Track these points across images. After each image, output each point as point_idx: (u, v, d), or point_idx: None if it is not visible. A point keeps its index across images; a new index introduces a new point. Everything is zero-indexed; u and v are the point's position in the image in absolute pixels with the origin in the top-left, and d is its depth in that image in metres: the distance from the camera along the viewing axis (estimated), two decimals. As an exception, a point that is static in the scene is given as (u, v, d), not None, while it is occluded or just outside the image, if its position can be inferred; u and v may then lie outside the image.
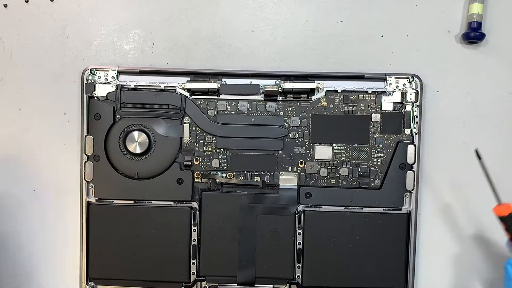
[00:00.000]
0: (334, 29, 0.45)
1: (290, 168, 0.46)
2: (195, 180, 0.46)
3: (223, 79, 0.46)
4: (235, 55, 0.46)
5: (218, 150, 0.46)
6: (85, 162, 0.46)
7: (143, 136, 0.46)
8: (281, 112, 0.46)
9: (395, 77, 0.45)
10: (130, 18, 0.47)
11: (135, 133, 0.46)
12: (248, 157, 0.46)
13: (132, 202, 0.46)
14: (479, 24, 0.42)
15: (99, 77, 0.46)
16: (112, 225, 0.46)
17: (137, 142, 0.46)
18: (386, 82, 0.45)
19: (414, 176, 0.45)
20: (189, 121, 0.46)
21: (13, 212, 0.48)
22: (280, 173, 0.46)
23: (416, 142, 0.45)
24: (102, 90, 0.46)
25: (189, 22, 0.46)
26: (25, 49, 0.47)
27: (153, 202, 0.46)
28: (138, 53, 0.47)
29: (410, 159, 0.45)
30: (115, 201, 0.46)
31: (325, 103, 0.46)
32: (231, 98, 0.46)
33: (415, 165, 0.45)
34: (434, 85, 0.45)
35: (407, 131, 0.45)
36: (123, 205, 0.46)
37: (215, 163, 0.46)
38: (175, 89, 0.46)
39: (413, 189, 0.45)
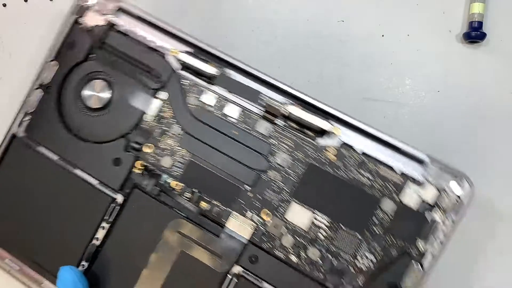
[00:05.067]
0: (334, 28, 0.43)
1: (250, 213, 0.34)
2: (134, 169, 0.35)
3: (225, 69, 0.35)
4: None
5: (178, 148, 0.35)
6: (36, 88, 0.37)
7: (106, 91, 0.36)
8: (272, 140, 0.34)
9: (439, 168, 0.32)
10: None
11: (98, 83, 0.36)
12: (208, 175, 0.34)
13: (57, 158, 0.36)
14: (480, 24, 0.41)
15: (96, 3, 0.37)
16: (23, 172, 0.37)
17: (95, 93, 0.36)
18: (425, 167, 0.32)
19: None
20: (165, 98, 0.35)
21: None
22: (235, 213, 0.34)
23: (425, 266, 0.31)
24: (92, 19, 0.37)
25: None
26: (24, 48, 0.45)
27: (78, 170, 0.36)
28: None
29: (407, 284, 0.31)
30: (40, 148, 0.37)
31: (334, 157, 0.33)
32: (222, 94, 0.35)
33: (411, 299, 0.31)
34: (434, 85, 0.42)
35: (421, 246, 0.31)
36: (46, 157, 0.36)
37: (166, 161, 0.35)
38: (164, 54, 0.36)
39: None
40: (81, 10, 0.37)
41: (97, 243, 0.35)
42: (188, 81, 0.35)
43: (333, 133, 0.33)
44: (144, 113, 0.35)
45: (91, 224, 0.35)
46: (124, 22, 0.37)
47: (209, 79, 0.35)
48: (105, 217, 0.35)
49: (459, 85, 0.42)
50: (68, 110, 0.37)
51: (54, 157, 0.36)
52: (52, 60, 0.37)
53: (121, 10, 0.37)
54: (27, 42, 0.45)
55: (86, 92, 0.36)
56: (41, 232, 0.36)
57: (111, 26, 0.37)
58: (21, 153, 0.37)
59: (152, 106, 0.35)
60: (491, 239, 0.40)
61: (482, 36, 0.41)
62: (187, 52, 0.35)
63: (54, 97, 0.37)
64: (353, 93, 0.41)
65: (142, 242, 0.34)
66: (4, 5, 0.45)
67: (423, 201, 0.32)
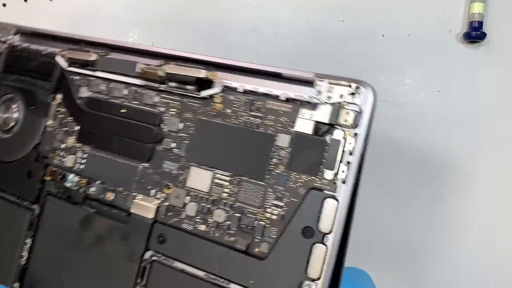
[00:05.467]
0: (334, 28, 0.43)
1: (153, 191, 0.31)
2: (46, 177, 0.34)
3: (108, 54, 0.34)
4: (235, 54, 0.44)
5: (78, 144, 0.34)
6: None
7: (13, 110, 0.36)
8: (160, 108, 0.31)
9: (329, 82, 0.27)
10: (130, 18, 0.45)
11: (4, 106, 0.37)
12: (107, 164, 0.32)
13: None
14: (480, 24, 0.41)
15: (-2, 33, 0.38)
16: None
17: (3, 116, 0.36)
18: (314, 87, 0.27)
19: (325, 254, 0.25)
20: (60, 99, 0.35)
21: None
22: (139, 195, 0.31)
23: (340, 196, 0.26)
24: (-4, 49, 0.38)
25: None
26: None
27: None
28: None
29: (323, 224, 0.26)
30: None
31: (220, 105, 0.30)
32: (106, 77, 0.33)
33: (330, 236, 0.25)
34: (435, 84, 0.42)
35: (328, 175, 0.26)
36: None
37: (70, 160, 0.33)
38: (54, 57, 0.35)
39: (318, 278, 0.25)
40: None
41: (23, 260, 0.34)
42: (78, 76, 0.34)
43: (210, 79, 0.29)
44: (47, 120, 0.35)
45: (15, 242, 0.34)
46: (22, 41, 0.37)
47: (93, 66, 0.34)
48: (27, 232, 0.34)
49: (459, 85, 0.42)
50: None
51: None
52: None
53: (19, 32, 0.38)
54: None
55: (-2, 116, 0.37)
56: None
57: (12, 47, 0.37)
58: None
59: (52, 110, 0.35)
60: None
61: (482, 36, 0.41)
62: (70, 49, 0.34)
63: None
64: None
65: (65, 247, 0.33)
66: (4, 5, 0.47)
67: (318, 123, 0.27)
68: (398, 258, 0.42)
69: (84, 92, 0.34)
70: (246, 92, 0.29)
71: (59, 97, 0.35)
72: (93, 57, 0.33)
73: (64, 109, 0.34)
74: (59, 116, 0.34)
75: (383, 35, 0.43)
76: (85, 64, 0.34)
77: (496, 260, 0.41)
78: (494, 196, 0.42)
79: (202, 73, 0.29)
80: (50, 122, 0.34)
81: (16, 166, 0.35)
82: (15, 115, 0.36)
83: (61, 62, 0.34)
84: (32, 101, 0.36)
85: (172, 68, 0.30)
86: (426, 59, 0.43)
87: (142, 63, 0.31)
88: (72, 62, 0.34)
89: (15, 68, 0.37)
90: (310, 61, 0.42)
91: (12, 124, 0.36)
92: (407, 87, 0.42)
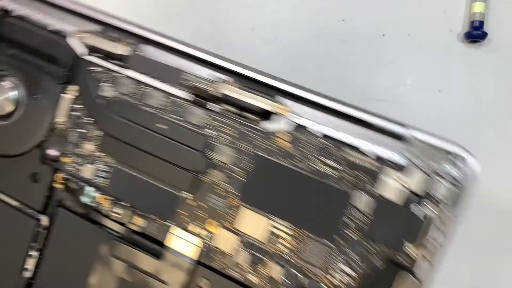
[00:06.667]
0: (334, 28, 0.42)
1: (194, 226, 0.27)
2: (55, 184, 0.29)
3: (141, 47, 0.27)
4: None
5: (99, 153, 0.28)
6: None
7: (10, 92, 0.29)
8: (209, 131, 0.26)
9: (427, 144, 0.23)
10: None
11: (4, 84, 0.30)
12: (138, 183, 0.27)
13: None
14: (481, 23, 0.41)
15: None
16: None
17: (4, 97, 0.30)
18: (408, 145, 0.23)
19: None
20: (76, 93, 0.28)
21: None
22: (175, 228, 0.27)
23: (419, 277, 0.23)
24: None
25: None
26: None
27: (-5, 191, 0.30)
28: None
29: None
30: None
31: (287, 143, 0.25)
32: (139, 79, 0.27)
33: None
34: (436, 85, 0.41)
35: (412, 251, 0.23)
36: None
37: (88, 171, 0.28)
38: (66, 38, 0.28)
39: None
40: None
41: (28, 274, 0.29)
42: (99, 68, 0.28)
43: (279, 113, 0.25)
44: (56, 114, 0.29)
45: (18, 253, 0.29)
46: (20, 6, 0.29)
47: (122, 61, 0.27)
48: (32, 244, 0.29)
49: (460, 85, 0.41)
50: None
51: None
52: None
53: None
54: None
55: (-11, 97, 0.30)
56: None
57: (5, 12, 0.29)
58: None
59: (62, 104, 0.28)
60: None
61: (483, 35, 0.41)
62: (93, 33, 0.27)
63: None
64: (354, 93, 0.40)
65: (78, 268, 0.29)
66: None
67: (408, 191, 0.23)
68: None
69: (108, 91, 0.28)
70: (324, 136, 0.24)
71: (72, 89, 0.28)
72: (122, 50, 0.27)
73: (80, 106, 0.28)
74: (74, 114, 0.28)
75: (383, 35, 0.42)
76: (109, 56, 0.27)
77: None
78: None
79: (268, 105, 0.24)
80: (60, 119, 0.28)
81: (17, 165, 0.29)
82: (12, 97, 0.29)
83: (77, 46, 0.28)
84: (33, 86, 0.29)
85: (231, 90, 0.25)
86: (426, 59, 0.42)
87: (191, 73, 0.26)
88: (91, 50, 0.27)
89: (12, 40, 0.29)
90: (310, 61, 0.41)
91: (9, 110, 0.29)
92: (407, 87, 0.42)
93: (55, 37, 0.28)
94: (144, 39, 0.27)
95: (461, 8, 0.43)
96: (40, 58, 0.29)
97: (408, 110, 0.41)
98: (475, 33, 0.41)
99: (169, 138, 0.27)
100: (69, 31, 0.28)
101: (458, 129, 0.41)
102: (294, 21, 0.43)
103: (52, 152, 0.29)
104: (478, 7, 0.41)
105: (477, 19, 0.41)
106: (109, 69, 0.27)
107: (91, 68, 0.28)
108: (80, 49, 0.28)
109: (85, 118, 0.28)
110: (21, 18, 0.29)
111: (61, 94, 0.28)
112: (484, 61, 0.42)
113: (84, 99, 0.28)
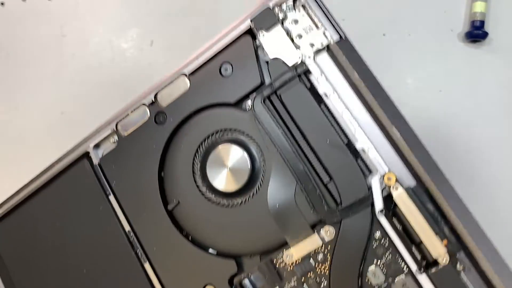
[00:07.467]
0: None
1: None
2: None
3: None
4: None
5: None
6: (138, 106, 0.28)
7: (242, 155, 0.25)
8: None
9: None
10: (128, 17, 0.45)
11: (224, 149, 0.25)
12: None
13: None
14: (482, 23, 0.41)
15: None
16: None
17: (227, 167, 0.26)
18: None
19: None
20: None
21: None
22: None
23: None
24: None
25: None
26: (22, 48, 0.46)
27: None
28: (136, 52, 0.45)
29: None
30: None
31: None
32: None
33: None
34: (436, 84, 0.42)
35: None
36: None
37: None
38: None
39: None
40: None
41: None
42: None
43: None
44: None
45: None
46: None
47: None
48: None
49: (461, 84, 0.41)
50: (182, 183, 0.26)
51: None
52: (189, 74, 0.27)
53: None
54: (25, 41, 0.46)
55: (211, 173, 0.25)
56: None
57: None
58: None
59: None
60: None
61: (484, 35, 0.40)
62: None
63: (167, 133, 0.27)
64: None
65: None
66: (2, 4, 0.46)
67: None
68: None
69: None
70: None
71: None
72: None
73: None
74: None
75: (384, 34, 0.42)
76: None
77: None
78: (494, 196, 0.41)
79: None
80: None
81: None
82: (244, 163, 0.26)
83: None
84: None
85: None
86: (427, 59, 0.42)
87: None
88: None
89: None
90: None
91: (237, 189, 0.26)
92: (408, 87, 0.42)
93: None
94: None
95: (461, 7, 0.42)
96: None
97: (408, 109, 0.38)
98: (476, 33, 0.41)
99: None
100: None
101: (459, 128, 0.40)
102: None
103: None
104: (479, 7, 0.41)
105: (478, 19, 0.41)
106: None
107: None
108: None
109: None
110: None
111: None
112: (484, 60, 0.42)
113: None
